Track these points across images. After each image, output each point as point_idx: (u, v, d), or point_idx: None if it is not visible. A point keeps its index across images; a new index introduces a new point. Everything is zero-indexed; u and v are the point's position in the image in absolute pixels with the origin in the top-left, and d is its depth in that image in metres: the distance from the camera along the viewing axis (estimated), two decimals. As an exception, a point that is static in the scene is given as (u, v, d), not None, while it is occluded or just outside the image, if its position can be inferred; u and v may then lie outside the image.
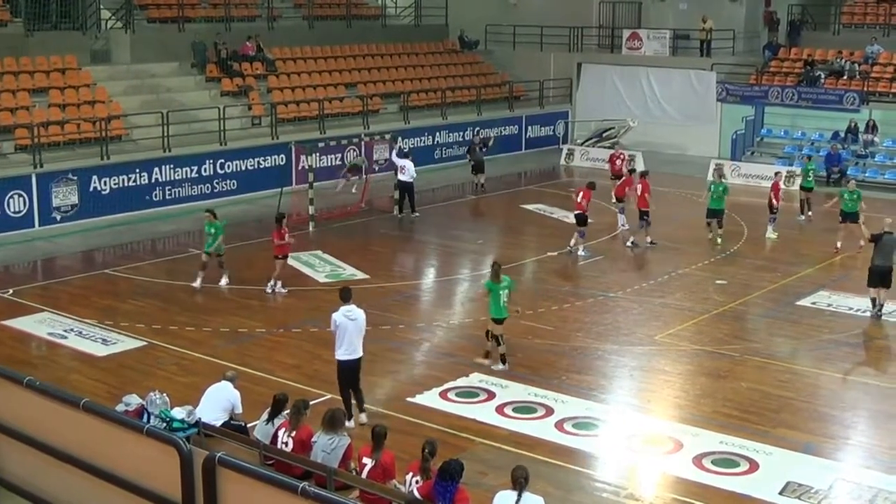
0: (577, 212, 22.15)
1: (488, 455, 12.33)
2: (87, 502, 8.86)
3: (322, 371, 14.58)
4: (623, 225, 23.75)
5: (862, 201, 22.40)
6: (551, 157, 34.92)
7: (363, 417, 13.09)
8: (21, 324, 17.25)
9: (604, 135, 34.94)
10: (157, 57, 29.83)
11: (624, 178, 24.89)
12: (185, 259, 21.36)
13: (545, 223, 25.63)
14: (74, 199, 24.21)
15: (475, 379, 14.90)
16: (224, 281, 19.42)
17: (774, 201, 23.79)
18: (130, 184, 25.36)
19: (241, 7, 33.46)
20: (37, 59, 27.12)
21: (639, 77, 36.23)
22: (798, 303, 18.90)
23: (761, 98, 33.46)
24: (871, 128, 31.97)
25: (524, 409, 13.88)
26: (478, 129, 33.79)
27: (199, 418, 10.38)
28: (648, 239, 22.87)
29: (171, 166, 26.11)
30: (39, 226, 23.66)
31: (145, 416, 10.04)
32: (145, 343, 16.36)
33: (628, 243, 22.91)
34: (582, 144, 35.14)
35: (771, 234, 23.85)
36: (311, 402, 11.39)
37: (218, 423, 11.02)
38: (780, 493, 11.56)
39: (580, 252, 22.03)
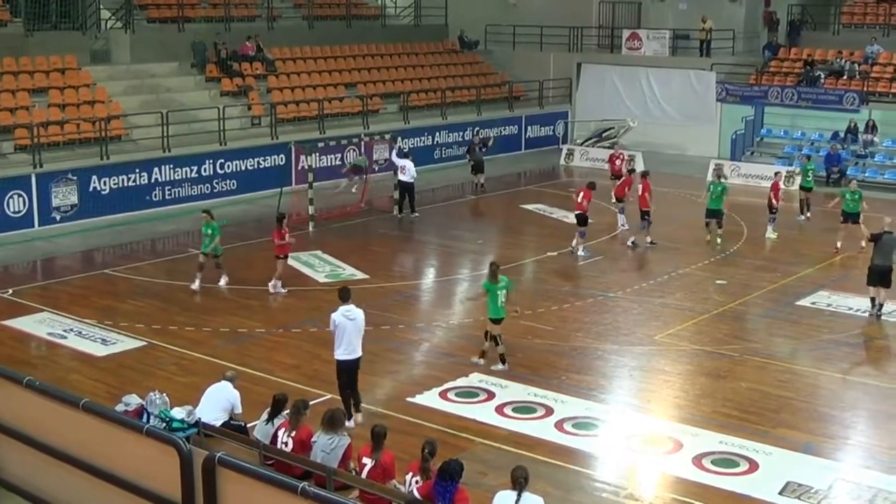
0: (577, 212, 22.16)
1: (488, 455, 12.33)
2: (87, 502, 8.87)
3: (322, 371, 14.58)
4: (623, 225, 23.79)
5: (863, 201, 22.45)
6: (551, 158, 34.90)
7: (359, 418, 13.10)
8: (21, 324, 17.26)
9: (603, 135, 34.92)
10: (157, 57, 29.82)
11: (624, 178, 24.92)
12: (185, 259, 21.35)
13: (545, 223, 25.63)
14: (74, 199, 24.21)
15: (475, 379, 14.90)
16: (223, 281, 19.42)
17: (774, 201, 23.80)
18: (130, 184, 25.35)
19: (241, 7, 33.46)
20: (37, 59, 27.11)
21: (638, 77, 36.21)
22: (798, 303, 18.91)
23: (761, 98, 33.46)
24: (871, 128, 31.96)
25: (524, 409, 13.88)
26: (477, 129, 33.77)
27: (199, 418, 10.37)
28: (648, 239, 22.87)
29: (171, 166, 26.11)
30: (39, 226, 23.65)
31: (145, 417, 10.02)
32: (145, 343, 16.36)
33: (628, 243, 22.92)
34: (582, 144, 35.12)
35: (771, 234, 23.85)
36: (311, 402, 11.37)
37: (218, 423, 11.01)
38: (780, 493, 11.57)
39: (580, 252, 22.03)
